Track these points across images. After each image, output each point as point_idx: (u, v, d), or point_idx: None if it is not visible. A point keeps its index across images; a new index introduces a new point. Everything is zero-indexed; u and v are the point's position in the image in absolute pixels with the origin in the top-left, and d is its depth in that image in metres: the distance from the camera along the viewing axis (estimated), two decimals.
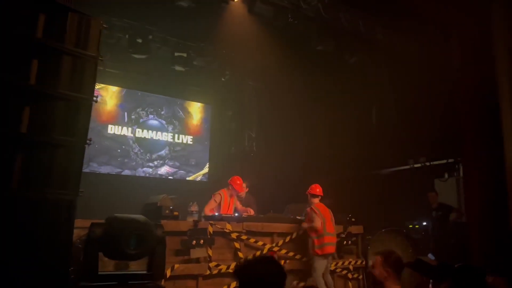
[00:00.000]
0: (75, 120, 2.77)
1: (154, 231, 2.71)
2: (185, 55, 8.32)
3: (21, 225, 2.52)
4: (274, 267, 1.70)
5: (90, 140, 2.85)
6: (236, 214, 6.18)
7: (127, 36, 7.61)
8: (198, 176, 10.07)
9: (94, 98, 2.87)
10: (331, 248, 5.68)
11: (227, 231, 5.36)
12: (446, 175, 8.02)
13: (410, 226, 7.74)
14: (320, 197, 5.96)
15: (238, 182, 6.34)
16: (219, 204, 6.17)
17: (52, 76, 2.68)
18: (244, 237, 5.50)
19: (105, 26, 2.93)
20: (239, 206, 6.50)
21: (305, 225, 5.79)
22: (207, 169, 10.20)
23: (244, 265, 1.86)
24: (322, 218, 5.70)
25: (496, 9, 6.06)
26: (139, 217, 2.79)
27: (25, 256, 2.50)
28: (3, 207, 2.46)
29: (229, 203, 6.31)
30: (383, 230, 6.46)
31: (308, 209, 5.83)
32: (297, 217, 6.25)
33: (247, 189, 6.85)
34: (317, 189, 5.95)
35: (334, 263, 6.09)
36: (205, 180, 10.11)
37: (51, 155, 2.63)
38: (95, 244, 2.67)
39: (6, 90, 2.48)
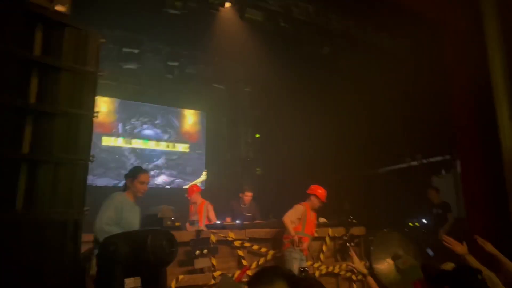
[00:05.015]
0: (76, 137, 2.73)
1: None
2: (177, 63, 8.29)
3: (27, 247, 2.46)
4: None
5: (93, 156, 2.80)
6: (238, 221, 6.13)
7: (118, 47, 7.55)
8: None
9: (95, 114, 2.83)
10: None
11: (230, 239, 5.33)
12: (443, 172, 8.05)
13: (411, 224, 7.74)
14: None
15: (319, 191, 5.72)
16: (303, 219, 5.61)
17: (52, 94, 2.64)
18: (247, 244, 5.47)
19: (103, 40, 2.89)
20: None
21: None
22: (204, 176, 10.15)
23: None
24: None
25: (487, 7, 6.13)
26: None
27: (31, 279, 2.45)
28: (7, 229, 2.41)
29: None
30: (385, 230, 6.46)
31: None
32: None
33: (251, 196, 6.73)
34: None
35: (338, 265, 6.08)
36: (202, 187, 10.04)
37: (54, 174, 2.58)
38: (121, 264, 2.51)
39: (7, 111, 2.43)
